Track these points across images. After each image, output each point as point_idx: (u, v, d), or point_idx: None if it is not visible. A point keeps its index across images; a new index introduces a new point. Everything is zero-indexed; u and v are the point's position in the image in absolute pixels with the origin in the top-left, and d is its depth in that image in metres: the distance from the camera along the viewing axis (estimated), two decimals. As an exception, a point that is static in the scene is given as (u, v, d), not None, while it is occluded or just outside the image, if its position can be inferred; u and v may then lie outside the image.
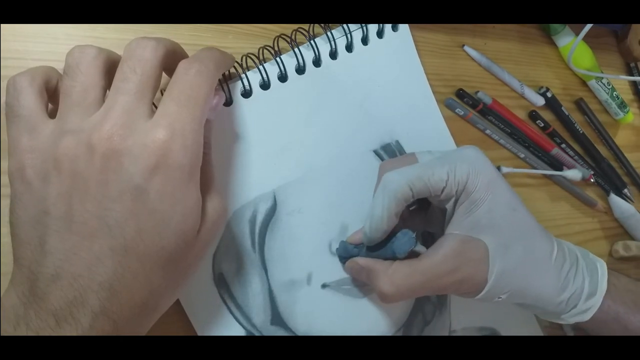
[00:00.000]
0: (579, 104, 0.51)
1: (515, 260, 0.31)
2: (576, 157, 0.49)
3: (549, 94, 0.48)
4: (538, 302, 0.32)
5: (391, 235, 0.31)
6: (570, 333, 0.44)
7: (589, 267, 0.33)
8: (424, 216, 0.35)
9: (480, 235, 0.30)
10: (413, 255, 0.31)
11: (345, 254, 0.34)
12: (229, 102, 0.33)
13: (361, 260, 0.33)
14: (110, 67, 0.26)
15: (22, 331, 0.21)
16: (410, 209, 0.34)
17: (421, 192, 0.30)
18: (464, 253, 0.30)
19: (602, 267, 0.34)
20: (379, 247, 0.32)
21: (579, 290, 0.32)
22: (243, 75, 0.33)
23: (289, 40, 0.34)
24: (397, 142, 0.39)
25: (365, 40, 0.38)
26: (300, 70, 0.35)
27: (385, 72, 0.39)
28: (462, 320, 0.39)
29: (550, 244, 0.32)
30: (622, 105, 0.52)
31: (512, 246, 0.31)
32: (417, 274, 0.30)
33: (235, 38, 0.35)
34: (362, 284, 0.36)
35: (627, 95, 0.56)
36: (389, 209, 0.30)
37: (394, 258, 0.31)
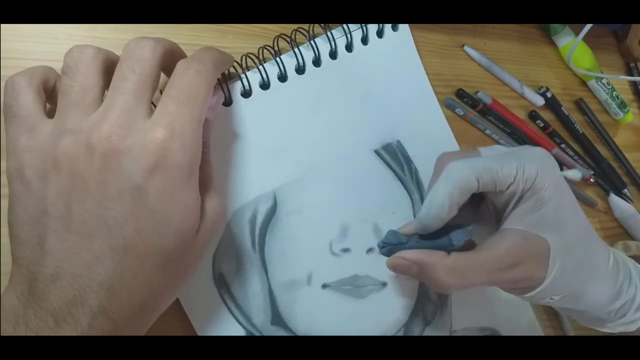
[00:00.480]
0: (579, 104, 0.51)
1: (575, 262, 0.30)
2: (576, 157, 0.49)
3: (548, 94, 0.48)
4: (590, 308, 0.32)
5: (445, 229, 0.31)
6: (571, 333, 0.44)
7: None
8: (473, 212, 0.34)
9: (544, 233, 0.30)
10: (467, 248, 0.30)
11: (394, 240, 0.32)
12: (228, 102, 0.33)
13: (410, 255, 0.31)
14: (109, 67, 0.26)
15: (22, 331, 0.21)
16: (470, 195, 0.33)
17: (487, 184, 0.29)
18: (525, 249, 0.29)
19: None
20: (433, 236, 0.31)
21: (631, 301, 0.32)
22: (243, 75, 0.33)
23: (288, 40, 0.34)
24: (398, 142, 0.38)
25: (365, 40, 0.38)
26: (300, 70, 0.35)
27: (385, 72, 0.39)
28: (463, 320, 0.39)
29: (606, 252, 0.32)
30: (622, 105, 0.52)
31: (574, 248, 0.30)
32: (479, 266, 0.29)
33: (235, 38, 0.35)
34: (363, 285, 0.36)
35: (627, 95, 0.56)
36: (451, 197, 0.29)
37: (447, 248, 0.30)
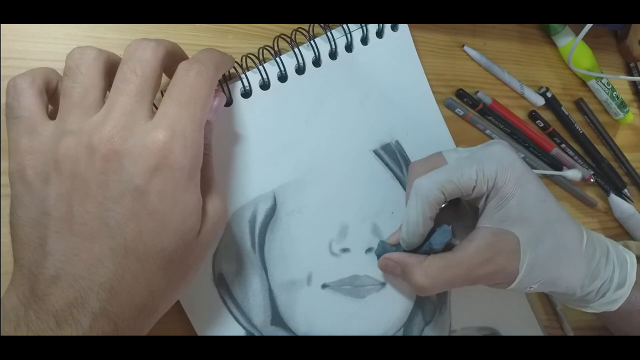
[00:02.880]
0: (579, 104, 0.51)
1: (546, 250, 0.31)
2: (576, 157, 0.49)
3: (548, 94, 0.48)
4: (569, 291, 0.33)
5: (429, 233, 0.33)
6: (570, 333, 0.44)
7: (619, 259, 0.34)
8: (454, 211, 0.35)
9: (511, 228, 0.31)
10: (448, 248, 0.32)
11: (383, 252, 0.35)
12: (228, 103, 0.33)
13: (394, 256, 0.34)
14: (111, 69, 0.26)
15: (23, 332, 0.21)
16: (442, 205, 0.35)
17: (453, 193, 0.31)
18: (496, 245, 0.31)
19: (631, 259, 0.34)
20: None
21: (609, 280, 0.33)
22: (243, 76, 0.33)
23: (288, 40, 0.34)
24: (397, 142, 0.39)
25: (365, 40, 0.38)
26: (300, 70, 0.35)
27: (385, 72, 0.39)
28: (462, 320, 0.39)
29: (579, 233, 0.33)
30: (622, 106, 0.52)
31: (543, 237, 0.31)
32: (452, 267, 0.31)
33: (235, 38, 0.35)
34: (362, 284, 0.36)
35: (627, 95, 0.55)
36: (423, 213, 0.31)
37: (430, 252, 0.32)
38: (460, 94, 0.43)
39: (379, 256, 0.36)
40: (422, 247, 0.33)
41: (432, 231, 0.32)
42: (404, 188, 0.38)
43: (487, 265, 0.31)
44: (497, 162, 0.31)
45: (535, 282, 0.32)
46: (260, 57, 0.34)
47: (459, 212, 0.35)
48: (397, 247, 0.35)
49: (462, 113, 0.43)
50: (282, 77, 0.35)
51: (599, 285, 0.33)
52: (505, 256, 0.31)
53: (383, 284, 0.36)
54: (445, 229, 0.32)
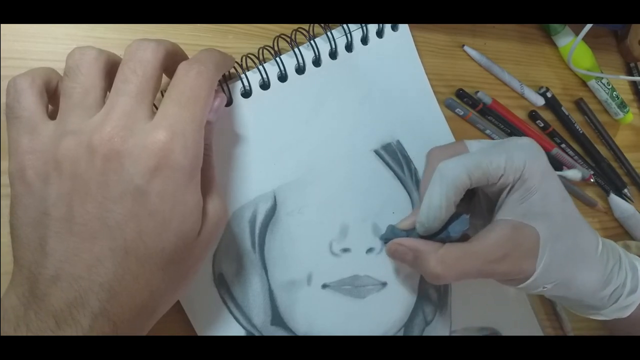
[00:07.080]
0: (579, 104, 0.51)
1: (565, 250, 0.31)
2: (576, 157, 0.49)
3: (548, 94, 0.48)
4: (581, 295, 0.32)
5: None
6: (571, 333, 0.44)
7: (631, 266, 0.34)
8: (468, 203, 0.35)
9: (533, 222, 0.30)
10: (462, 239, 0.31)
11: (392, 237, 0.34)
12: (228, 103, 0.33)
13: (406, 241, 0.32)
14: (111, 69, 0.26)
15: (22, 332, 0.21)
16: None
17: (479, 180, 0.30)
18: (515, 239, 0.30)
19: None
20: None
21: (622, 285, 0.33)
22: (243, 76, 0.33)
23: (288, 40, 0.34)
24: (398, 141, 0.39)
25: (365, 40, 0.38)
26: (300, 70, 0.35)
27: (385, 72, 0.39)
28: (463, 320, 0.39)
29: (595, 238, 0.33)
30: (622, 105, 0.52)
31: (562, 236, 0.31)
32: (469, 257, 0.30)
33: (235, 38, 0.35)
34: (363, 285, 0.36)
35: (627, 95, 0.56)
36: (447, 197, 0.30)
37: (445, 240, 0.31)
38: (460, 94, 0.43)
39: (386, 241, 0.35)
40: (439, 235, 0.32)
41: (449, 219, 0.31)
42: (405, 188, 0.38)
43: (504, 259, 0.30)
44: (525, 153, 0.30)
45: (549, 282, 0.31)
46: (260, 57, 0.34)
47: (472, 205, 0.35)
48: (408, 232, 0.34)
49: (462, 113, 0.43)
50: (282, 77, 0.35)
51: (611, 291, 0.33)
52: (524, 251, 0.30)
53: (384, 284, 0.36)
54: (464, 217, 0.31)
